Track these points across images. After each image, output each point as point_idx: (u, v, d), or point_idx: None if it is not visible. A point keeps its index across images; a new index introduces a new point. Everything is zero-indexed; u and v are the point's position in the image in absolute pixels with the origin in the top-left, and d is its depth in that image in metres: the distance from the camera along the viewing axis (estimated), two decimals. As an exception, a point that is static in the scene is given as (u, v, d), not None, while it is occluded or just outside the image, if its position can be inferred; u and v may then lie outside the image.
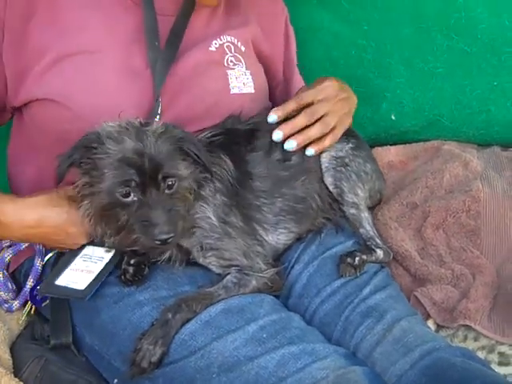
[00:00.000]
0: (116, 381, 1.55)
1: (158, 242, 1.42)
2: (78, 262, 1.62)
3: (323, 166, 1.73)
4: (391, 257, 1.78)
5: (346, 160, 1.74)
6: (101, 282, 1.56)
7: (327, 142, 1.70)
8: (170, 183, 1.46)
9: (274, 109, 1.69)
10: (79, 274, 1.59)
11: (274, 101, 2.03)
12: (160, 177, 1.44)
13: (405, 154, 2.28)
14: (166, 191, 1.46)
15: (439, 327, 1.70)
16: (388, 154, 2.25)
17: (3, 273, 1.70)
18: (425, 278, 1.81)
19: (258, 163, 1.67)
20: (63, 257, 1.65)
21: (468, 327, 1.67)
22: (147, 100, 1.64)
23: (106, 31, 1.68)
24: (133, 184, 1.43)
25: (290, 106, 1.68)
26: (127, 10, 1.71)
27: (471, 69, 2.16)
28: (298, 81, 2.06)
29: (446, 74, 2.17)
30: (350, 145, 1.77)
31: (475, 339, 1.65)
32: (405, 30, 2.14)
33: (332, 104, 1.69)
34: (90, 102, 1.59)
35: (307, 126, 1.68)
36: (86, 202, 1.50)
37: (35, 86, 1.65)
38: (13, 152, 1.85)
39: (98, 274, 1.58)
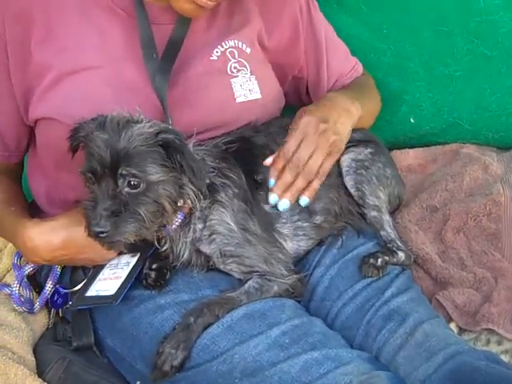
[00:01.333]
0: (138, 383, 1.56)
1: (91, 234, 1.42)
2: (105, 272, 1.64)
3: (343, 170, 1.72)
4: (412, 259, 1.77)
5: (366, 163, 1.73)
6: (129, 284, 1.56)
7: (315, 184, 1.65)
8: (133, 183, 1.43)
9: (269, 173, 1.64)
10: (107, 282, 1.60)
11: (299, 92, 2.01)
12: (119, 172, 1.42)
13: (423, 157, 2.27)
14: (127, 189, 1.43)
15: (461, 331, 1.69)
16: (407, 158, 2.24)
17: (19, 286, 1.68)
18: (446, 282, 1.79)
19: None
20: (91, 271, 1.66)
21: (491, 331, 1.66)
22: (150, 112, 1.59)
23: (102, 47, 1.67)
24: (94, 172, 1.44)
25: (280, 165, 1.63)
26: (122, 23, 1.68)
27: (491, 72, 2.15)
28: (331, 66, 1.97)
29: (465, 78, 2.16)
30: (369, 149, 1.76)
31: (498, 343, 1.64)
32: (425, 34, 2.13)
33: (312, 143, 1.63)
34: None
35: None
36: None
37: (39, 105, 1.66)
38: (29, 178, 1.87)
39: (126, 277, 1.58)
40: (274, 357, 1.42)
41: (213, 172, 1.58)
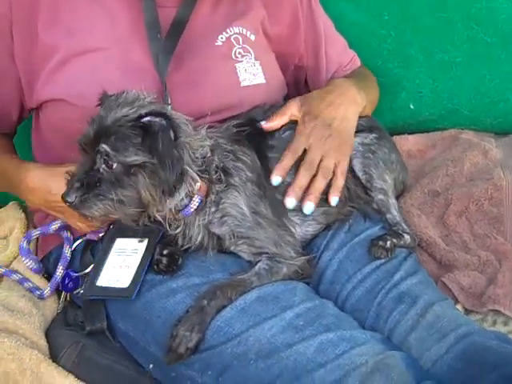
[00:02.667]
0: (152, 366, 1.57)
1: (64, 201, 1.48)
2: (113, 257, 1.64)
3: (351, 154, 1.74)
4: (417, 242, 1.80)
5: (373, 148, 1.75)
6: (143, 276, 1.57)
7: (340, 181, 1.67)
8: (109, 162, 1.45)
9: (274, 171, 1.64)
10: (118, 271, 1.60)
11: (298, 82, 2.03)
12: (97, 148, 1.45)
13: (423, 142, 2.30)
14: (104, 167, 1.45)
15: (467, 312, 1.71)
16: (406, 143, 2.27)
17: (26, 242, 1.72)
18: (451, 265, 1.82)
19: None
20: (97, 255, 1.67)
21: (497, 312, 1.69)
22: (155, 93, 1.61)
23: (109, 28, 1.70)
24: (80, 145, 1.48)
25: (287, 163, 1.65)
26: (128, 5, 1.72)
27: (490, 58, 2.18)
28: (330, 56, 2.00)
29: (465, 64, 2.20)
30: (374, 134, 1.78)
31: (505, 323, 1.66)
32: (425, 20, 2.16)
33: (320, 146, 1.66)
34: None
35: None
36: None
37: (46, 87, 1.69)
38: (34, 155, 1.89)
39: (137, 268, 1.59)
40: (288, 338, 1.43)
41: (227, 156, 1.60)
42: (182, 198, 1.54)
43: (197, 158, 1.54)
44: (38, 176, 1.64)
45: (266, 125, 1.69)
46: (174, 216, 1.57)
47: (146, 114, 1.46)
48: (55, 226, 1.72)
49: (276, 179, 1.64)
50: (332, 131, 1.68)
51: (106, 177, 1.46)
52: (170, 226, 1.59)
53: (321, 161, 1.66)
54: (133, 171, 1.45)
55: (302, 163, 1.65)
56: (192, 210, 1.56)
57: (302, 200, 1.65)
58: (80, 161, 1.50)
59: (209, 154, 1.56)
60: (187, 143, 1.51)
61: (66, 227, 1.73)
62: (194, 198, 1.55)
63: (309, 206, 1.64)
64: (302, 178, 1.65)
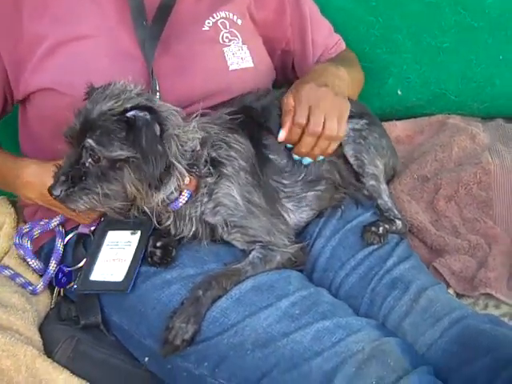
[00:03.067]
0: (147, 359, 1.57)
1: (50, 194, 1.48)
2: (105, 251, 1.63)
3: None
4: (407, 228, 1.81)
5: (364, 133, 1.75)
6: (137, 270, 1.57)
7: (335, 144, 1.65)
8: (94, 157, 1.44)
9: (281, 131, 1.62)
10: (112, 264, 1.60)
11: (285, 67, 2.02)
12: (82, 143, 1.44)
13: (411, 128, 2.30)
14: (90, 161, 1.45)
15: (459, 296, 1.73)
16: (395, 129, 2.26)
17: (29, 242, 1.73)
18: (441, 249, 1.84)
19: (277, 144, 1.66)
20: (89, 249, 1.66)
21: (488, 296, 1.71)
22: (144, 80, 1.63)
23: (96, 16, 1.70)
24: (68, 139, 1.48)
25: (296, 134, 1.62)
26: None
27: (478, 43, 2.19)
28: (316, 40, 1.99)
29: (452, 49, 2.20)
30: (365, 120, 1.78)
31: (496, 307, 1.69)
32: (413, 6, 2.16)
33: (321, 108, 1.61)
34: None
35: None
36: None
37: (34, 76, 1.68)
38: (22, 147, 1.87)
39: (132, 261, 1.58)
40: (285, 327, 1.44)
41: (219, 145, 1.58)
42: (172, 192, 1.53)
43: (185, 151, 1.52)
44: (34, 171, 1.63)
45: (282, 135, 1.64)
46: (163, 209, 1.56)
47: (131, 108, 1.45)
48: (55, 222, 1.72)
49: (281, 134, 1.62)
50: (326, 90, 1.63)
51: (91, 170, 1.46)
52: (158, 218, 1.58)
53: (324, 123, 1.61)
54: (118, 165, 1.45)
55: (308, 129, 1.61)
56: (181, 204, 1.56)
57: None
58: (67, 154, 1.50)
59: (198, 148, 1.54)
60: (176, 135, 1.50)
61: (63, 222, 1.73)
62: (183, 193, 1.55)
63: (307, 160, 1.65)
64: (308, 140, 1.61)
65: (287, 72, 2.06)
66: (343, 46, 2.09)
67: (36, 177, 1.62)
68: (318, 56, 2.01)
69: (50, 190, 1.48)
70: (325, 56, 2.02)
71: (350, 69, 1.88)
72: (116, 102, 1.46)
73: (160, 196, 1.51)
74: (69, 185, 1.46)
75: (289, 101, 1.63)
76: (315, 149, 1.63)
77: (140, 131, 1.41)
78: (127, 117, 1.43)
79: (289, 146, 1.65)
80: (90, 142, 1.43)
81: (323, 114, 1.61)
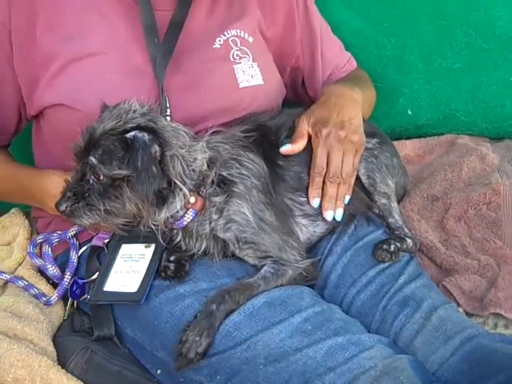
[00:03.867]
0: (159, 371, 1.58)
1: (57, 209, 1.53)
2: (119, 263, 1.65)
3: None
4: (418, 247, 1.82)
5: (375, 152, 1.77)
6: (151, 282, 1.58)
7: (353, 179, 1.71)
8: (96, 175, 1.48)
9: (310, 194, 1.67)
10: (125, 276, 1.62)
11: (295, 83, 2.05)
12: (85, 161, 1.49)
13: (420, 147, 2.33)
14: (93, 178, 1.49)
15: (468, 315, 1.74)
16: (404, 148, 2.30)
17: (50, 249, 1.75)
18: (451, 269, 1.86)
19: (291, 161, 1.69)
20: (103, 261, 1.68)
21: (497, 315, 1.72)
22: (154, 96, 1.66)
23: (107, 32, 1.72)
24: (75, 156, 1.52)
25: (318, 182, 1.67)
26: (126, 9, 1.74)
27: (488, 65, 2.21)
28: (326, 57, 2.02)
29: (463, 70, 2.22)
30: (376, 139, 1.80)
31: (506, 327, 1.70)
32: (424, 27, 2.19)
33: (340, 152, 1.67)
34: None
35: None
36: None
37: (46, 93, 1.71)
38: (37, 163, 1.90)
39: (146, 273, 1.60)
40: (297, 343, 1.45)
41: (230, 164, 1.60)
42: (178, 211, 1.56)
43: (193, 170, 1.55)
44: (56, 183, 1.64)
45: (288, 148, 1.68)
46: (169, 226, 1.59)
47: (132, 129, 1.48)
48: (72, 231, 1.75)
49: (315, 201, 1.67)
50: (345, 132, 1.68)
51: (94, 187, 1.50)
52: (164, 235, 1.60)
53: (342, 166, 1.67)
54: (117, 184, 1.48)
55: (327, 176, 1.67)
56: (185, 222, 1.58)
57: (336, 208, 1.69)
58: (74, 170, 1.53)
59: (204, 167, 1.56)
60: (180, 156, 1.52)
61: (80, 232, 1.75)
62: (188, 212, 1.57)
63: (339, 212, 1.68)
64: (331, 189, 1.67)
65: (297, 89, 2.08)
66: (354, 64, 2.11)
67: (59, 188, 1.62)
68: (327, 74, 2.03)
69: (57, 205, 1.52)
70: (336, 75, 2.04)
71: (364, 89, 1.91)
72: (118, 122, 1.49)
73: (163, 214, 1.54)
74: (73, 201, 1.51)
75: (304, 126, 1.69)
76: (338, 196, 1.68)
77: (137, 152, 1.45)
78: (126, 137, 1.47)
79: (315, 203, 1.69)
80: (92, 160, 1.48)
81: (341, 157, 1.67)
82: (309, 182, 1.68)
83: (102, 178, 1.48)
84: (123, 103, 1.54)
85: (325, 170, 1.67)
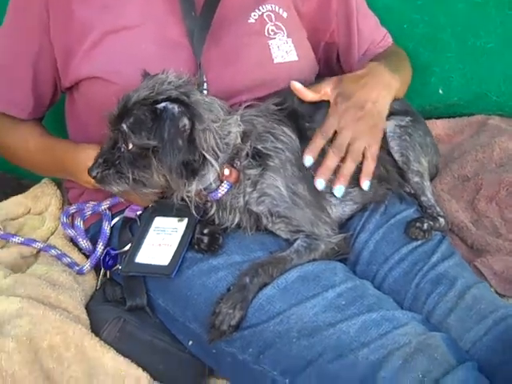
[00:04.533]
0: (191, 342, 1.60)
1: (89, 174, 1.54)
2: (152, 235, 1.66)
3: (388, 135, 1.74)
4: (449, 226, 1.82)
5: (409, 130, 1.76)
6: (182, 255, 1.59)
7: (371, 165, 1.67)
8: (126, 142, 1.49)
9: (306, 151, 1.63)
10: (157, 249, 1.62)
11: (329, 59, 2.03)
12: (117, 128, 1.49)
13: (450, 127, 2.32)
14: (124, 146, 1.50)
15: (499, 296, 1.73)
16: (435, 128, 2.27)
17: (82, 222, 1.77)
18: (482, 249, 1.85)
19: None
20: (136, 233, 1.69)
21: (529, 297, 1.73)
22: (190, 69, 1.66)
23: (144, 5, 1.72)
24: (109, 123, 1.52)
25: (319, 143, 1.64)
26: None
27: (522, 45, 2.20)
28: (362, 31, 1.99)
29: (496, 50, 2.21)
30: (409, 117, 1.78)
31: (538, 308, 1.69)
32: (459, 5, 2.17)
33: (352, 128, 1.65)
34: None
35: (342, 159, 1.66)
36: None
37: (82, 65, 1.71)
38: (70, 136, 1.91)
39: (178, 246, 1.60)
40: (331, 317, 1.45)
41: (265, 137, 1.60)
42: (211, 183, 1.56)
43: (227, 144, 1.55)
44: (92, 156, 1.62)
45: (298, 86, 1.67)
46: (202, 199, 1.59)
47: (163, 100, 1.48)
48: (106, 204, 1.76)
49: (308, 159, 1.63)
50: (364, 113, 1.67)
51: (124, 156, 1.50)
52: (198, 208, 1.60)
53: (350, 143, 1.65)
54: (146, 154, 1.49)
55: (332, 145, 1.65)
56: (220, 194, 1.58)
57: (332, 183, 1.65)
58: (107, 137, 1.54)
59: (238, 141, 1.56)
60: (214, 129, 1.52)
61: (113, 205, 1.76)
62: (222, 184, 1.57)
63: (339, 189, 1.64)
64: (331, 160, 1.64)
65: (332, 64, 2.06)
66: (390, 40, 2.08)
67: None
68: (364, 49, 2.01)
69: (89, 170, 1.53)
70: (372, 51, 2.02)
71: (401, 69, 1.90)
72: (151, 92, 1.49)
73: (194, 186, 1.54)
74: (104, 167, 1.52)
75: (324, 87, 1.69)
76: (343, 171, 1.64)
77: (164, 123, 1.45)
78: (157, 108, 1.47)
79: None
80: (123, 127, 1.48)
81: (351, 135, 1.64)
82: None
83: (131, 146, 1.49)
84: (161, 73, 1.54)
85: (329, 137, 1.64)
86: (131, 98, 1.50)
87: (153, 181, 1.51)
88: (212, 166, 1.53)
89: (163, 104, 1.47)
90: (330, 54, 2.04)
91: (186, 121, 1.47)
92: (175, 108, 1.46)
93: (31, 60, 1.76)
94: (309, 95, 1.68)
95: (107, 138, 1.54)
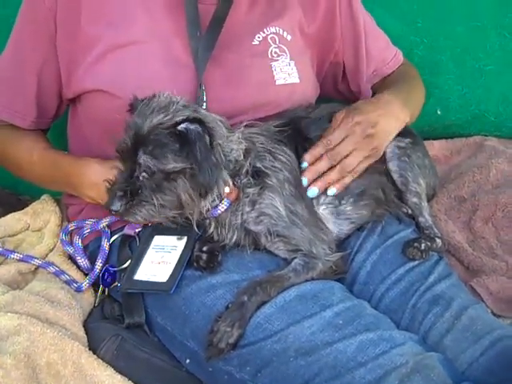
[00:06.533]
0: (188, 361, 1.60)
1: (109, 210, 1.51)
2: (151, 253, 1.67)
3: (387, 156, 1.76)
4: (446, 247, 1.83)
5: (408, 151, 1.78)
6: (181, 272, 1.60)
7: (347, 180, 1.69)
8: (149, 171, 1.48)
9: (304, 155, 1.67)
10: (157, 266, 1.63)
11: (335, 77, 2.04)
12: (137, 159, 1.48)
13: (448, 148, 2.34)
14: (144, 175, 1.49)
15: (495, 317, 1.74)
16: (432, 149, 2.29)
17: (81, 241, 1.77)
18: (478, 270, 1.87)
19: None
20: (135, 250, 1.70)
21: (524, 317, 1.73)
22: (193, 89, 1.68)
23: (151, 22, 1.74)
24: (119, 153, 1.51)
25: (318, 151, 1.68)
26: (169, 0, 1.75)
27: (521, 67, 2.23)
28: (370, 52, 1.99)
29: (495, 72, 2.25)
30: (409, 139, 1.81)
31: (534, 329, 1.70)
32: (458, 28, 2.21)
33: (355, 142, 1.68)
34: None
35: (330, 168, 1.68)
36: None
37: (86, 77, 1.72)
38: (70, 149, 1.92)
39: (177, 263, 1.61)
40: (328, 337, 1.46)
41: (264, 156, 1.61)
42: (214, 199, 1.57)
43: (229, 160, 1.56)
44: (97, 170, 1.67)
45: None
46: (203, 216, 1.60)
47: (182, 121, 1.48)
48: (105, 222, 1.76)
49: (303, 164, 1.66)
50: (373, 133, 1.70)
51: (146, 184, 1.50)
52: (198, 225, 1.61)
53: (347, 156, 1.67)
54: (172, 177, 1.49)
55: (328, 152, 1.67)
56: (219, 211, 1.59)
57: (313, 184, 1.67)
58: (119, 168, 1.53)
59: (241, 158, 1.58)
60: (219, 145, 1.53)
61: (111, 226, 1.77)
62: (223, 201, 1.58)
63: (313, 191, 1.67)
64: (321, 164, 1.67)
65: (337, 84, 2.07)
66: (401, 58, 2.09)
67: (99, 176, 1.65)
68: (372, 69, 2.02)
69: (109, 206, 1.51)
70: (382, 71, 2.03)
71: (412, 95, 1.94)
72: (165, 116, 1.49)
73: (206, 203, 1.56)
74: (127, 199, 1.50)
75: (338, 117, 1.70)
76: (324, 177, 1.67)
77: (194, 144, 1.46)
78: (179, 130, 1.47)
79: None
80: (143, 157, 1.47)
81: (352, 148, 1.67)
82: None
83: (155, 173, 1.48)
84: (159, 96, 1.55)
85: (331, 147, 1.67)
86: (142, 124, 1.49)
87: (177, 202, 1.52)
88: (222, 181, 1.55)
89: (184, 125, 1.48)
90: (336, 74, 2.05)
91: (207, 137, 1.49)
92: (198, 127, 1.48)
93: (36, 70, 1.78)
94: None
95: (120, 170, 1.53)
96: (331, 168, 1.68)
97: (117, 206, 1.50)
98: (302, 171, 1.67)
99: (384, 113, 1.74)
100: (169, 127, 1.48)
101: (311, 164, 1.67)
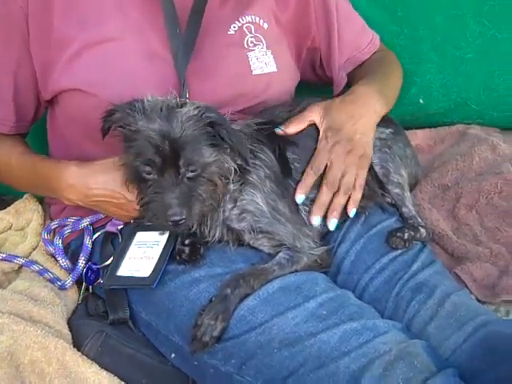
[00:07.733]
0: (174, 355, 1.59)
1: (170, 223, 1.47)
2: (133, 249, 1.66)
3: None
4: (431, 236, 1.83)
5: (389, 143, 1.79)
6: (164, 266, 1.60)
7: (356, 195, 1.71)
8: (193, 169, 1.48)
9: (298, 189, 1.68)
10: (139, 262, 1.63)
11: (313, 64, 2.04)
12: (181, 162, 1.46)
13: (431, 137, 2.34)
14: (188, 175, 1.48)
15: (480, 303, 1.74)
16: (415, 138, 2.29)
17: (61, 241, 1.76)
18: (463, 257, 1.87)
19: (301, 153, 1.72)
20: (117, 247, 1.69)
21: (509, 303, 1.74)
22: (172, 85, 1.65)
23: (124, 18, 1.72)
24: (153, 164, 1.47)
25: (310, 179, 1.69)
26: None
27: (501, 55, 2.23)
28: (343, 36, 1.98)
29: (476, 60, 2.24)
30: (390, 129, 1.82)
31: (518, 314, 1.72)
32: (438, 17, 2.20)
33: (342, 161, 1.69)
34: (115, 88, 1.61)
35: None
36: (122, 170, 1.56)
37: (61, 77, 1.71)
38: (51, 150, 1.91)
39: (159, 258, 1.61)
40: (312, 327, 1.46)
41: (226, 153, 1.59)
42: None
43: None
44: (78, 173, 1.64)
45: (282, 130, 1.71)
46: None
47: (205, 111, 1.50)
48: (85, 222, 1.76)
49: (300, 198, 1.68)
50: (354, 145, 1.71)
51: (191, 182, 1.49)
52: None
53: (342, 176, 1.69)
54: (209, 167, 1.51)
55: (324, 181, 1.69)
56: None
57: (325, 216, 1.69)
58: (155, 179, 1.48)
59: None
60: None
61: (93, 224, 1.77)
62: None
63: (333, 223, 1.69)
64: (325, 196, 1.69)
65: (316, 69, 2.07)
66: (377, 43, 2.08)
67: (77, 179, 1.64)
68: (346, 55, 2.00)
69: (173, 219, 1.45)
70: (358, 57, 2.02)
71: (389, 83, 1.94)
72: (187, 112, 1.48)
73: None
74: (185, 203, 1.47)
75: (310, 115, 1.73)
76: (334, 206, 1.69)
77: (225, 127, 1.50)
78: (208, 119, 1.49)
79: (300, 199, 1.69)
80: (189, 159, 1.47)
81: (343, 168, 1.69)
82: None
83: (198, 169, 1.48)
84: (156, 99, 1.52)
85: (320, 172, 1.69)
86: (173, 128, 1.46)
87: (214, 189, 1.54)
88: None
89: (207, 114, 1.49)
90: (314, 60, 2.05)
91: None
92: (217, 112, 1.52)
93: (11, 71, 1.76)
94: (294, 129, 1.71)
95: (158, 179, 1.48)
96: (334, 194, 1.69)
97: (182, 213, 1.46)
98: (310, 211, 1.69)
99: (360, 114, 1.75)
100: (197, 121, 1.48)
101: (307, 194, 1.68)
